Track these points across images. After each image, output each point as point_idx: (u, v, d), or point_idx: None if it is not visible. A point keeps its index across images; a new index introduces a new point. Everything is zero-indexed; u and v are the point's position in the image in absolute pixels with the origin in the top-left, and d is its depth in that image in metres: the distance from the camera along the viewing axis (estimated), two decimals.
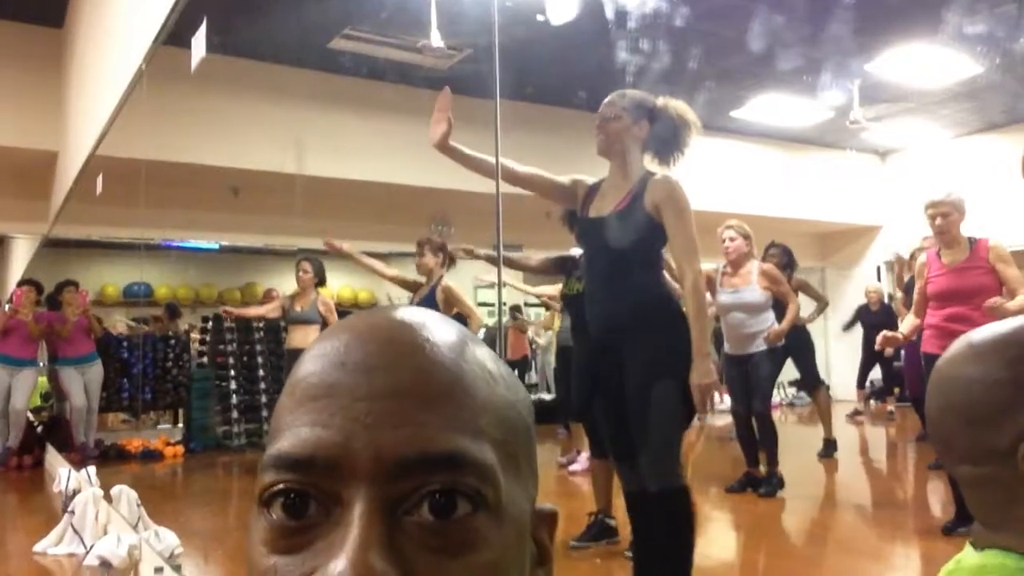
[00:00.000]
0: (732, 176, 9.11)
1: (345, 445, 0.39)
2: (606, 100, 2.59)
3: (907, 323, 3.88)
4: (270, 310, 6.23)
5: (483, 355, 0.45)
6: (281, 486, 0.40)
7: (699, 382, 2.34)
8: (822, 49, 6.42)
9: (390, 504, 0.39)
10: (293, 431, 0.41)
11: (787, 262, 5.55)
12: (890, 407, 9.06)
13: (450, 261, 4.59)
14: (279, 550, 0.40)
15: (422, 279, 4.63)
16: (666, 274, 2.81)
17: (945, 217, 3.66)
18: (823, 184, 10.13)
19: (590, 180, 2.67)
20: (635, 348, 2.43)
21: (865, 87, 7.71)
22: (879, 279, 10.33)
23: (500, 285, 3.81)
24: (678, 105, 2.60)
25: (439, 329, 0.44)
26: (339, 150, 7.02)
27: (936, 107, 8.56)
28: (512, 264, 4.64)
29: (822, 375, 6.49)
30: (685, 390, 2.36)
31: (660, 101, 2.60)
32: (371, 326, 0.44)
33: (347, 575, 0.36)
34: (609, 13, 4.41)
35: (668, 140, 2.56)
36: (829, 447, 6.07)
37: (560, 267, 4.41)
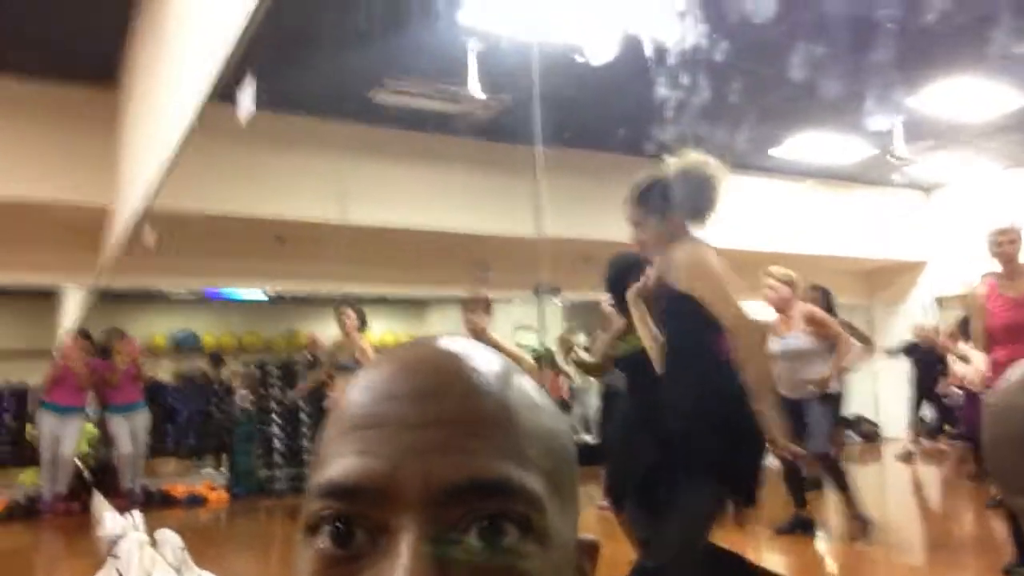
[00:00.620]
0: (774, 215, 9.05)
1: (392, 474, 0.40)
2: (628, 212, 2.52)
3: (977, 359, 3.80)
4: (324, 376, 6.26)
5: (527, 385, 0.45)
6: (328, 513, 0.40)
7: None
8: (862, 84, 6.38)
9: (439, 531, 0.39)
10: (340, 460, 0.41)
11: (826, 305, 5.40)
12: (943, 445, 8.81)
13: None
14: None
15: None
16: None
17: (1012, 245, 3.64)
18: (867, 221, 10.01)
19: None
20: (687, 438, 2.33)
21: (908, 122, 7.63)
22: (928, 316, 10.12)
23: (542, 328, 3.80)
24: (690, 164, 2.46)
25: (484, 359, 0.45)
26: (381, 199, 7.13)
27: (982, 140, 8.43)
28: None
29: (870, 413, 6.32)
30: (726, 482, 2.32)
31: (669, 169, 2.46)
32: (417, 356, 0.44)
33: None
34: (646, 54, 4.45)
35: (693, 205, 2.46)
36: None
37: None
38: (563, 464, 0.45)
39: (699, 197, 2.45)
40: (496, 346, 4.44)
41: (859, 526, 4.55)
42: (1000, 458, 0.77)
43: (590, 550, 0.48)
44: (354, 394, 0.44)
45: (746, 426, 2.29)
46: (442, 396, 0.42)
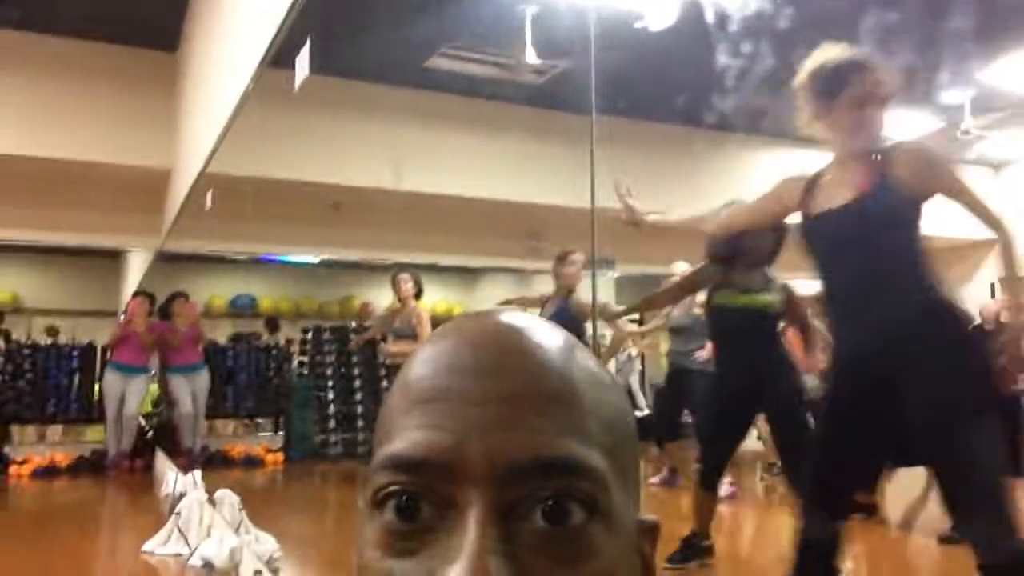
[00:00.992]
0: None
1: (458, 448, 0.40)
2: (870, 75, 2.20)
3: None
4: (376, 332, 6.60)
5: (590, 360, 0.45)
6: (394, 487, 0.40)
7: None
8: (931, 56, 6.14)
9: (504, 509, 0.39)
10: (406, 433, 0.41)
11: None
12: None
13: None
14: (394, 553, 0.40)
15: (534, 294, 4.64)
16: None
17: None
18: (932, 199, 9.70)
19: (800, 177, 2.26)
20: (915, 381, 1.94)
21: (978, 95, 7.35)
22: (992, 295, 9.80)
23: (595, 304, 3.76)
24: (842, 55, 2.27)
25: (547, 334, 0.44)
26: (436, 166, 7.14)
27: None
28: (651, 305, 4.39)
29: None
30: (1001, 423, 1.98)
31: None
32: (481, 330, 0.44)
33: None
34: (707, 23, 4.34)
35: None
36: None
37: (701, 281, 3.80)
38: (625, 440, 0.44)
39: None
40: (583, 307, 4.37)
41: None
42: None
43: (651, 531, 0.47)
44: (417, 367, 0.44)
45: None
46: (505, 372, 0.42)
